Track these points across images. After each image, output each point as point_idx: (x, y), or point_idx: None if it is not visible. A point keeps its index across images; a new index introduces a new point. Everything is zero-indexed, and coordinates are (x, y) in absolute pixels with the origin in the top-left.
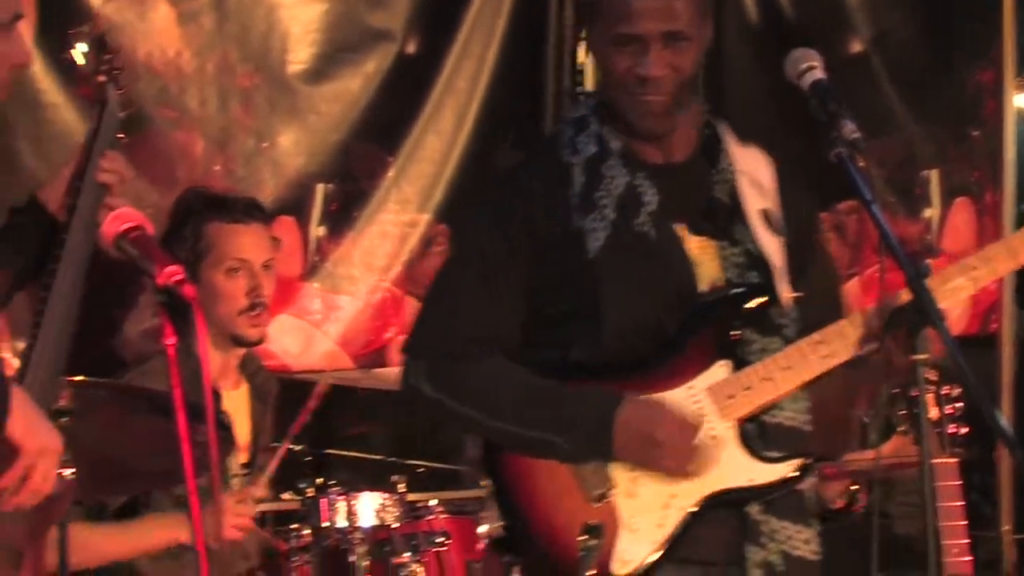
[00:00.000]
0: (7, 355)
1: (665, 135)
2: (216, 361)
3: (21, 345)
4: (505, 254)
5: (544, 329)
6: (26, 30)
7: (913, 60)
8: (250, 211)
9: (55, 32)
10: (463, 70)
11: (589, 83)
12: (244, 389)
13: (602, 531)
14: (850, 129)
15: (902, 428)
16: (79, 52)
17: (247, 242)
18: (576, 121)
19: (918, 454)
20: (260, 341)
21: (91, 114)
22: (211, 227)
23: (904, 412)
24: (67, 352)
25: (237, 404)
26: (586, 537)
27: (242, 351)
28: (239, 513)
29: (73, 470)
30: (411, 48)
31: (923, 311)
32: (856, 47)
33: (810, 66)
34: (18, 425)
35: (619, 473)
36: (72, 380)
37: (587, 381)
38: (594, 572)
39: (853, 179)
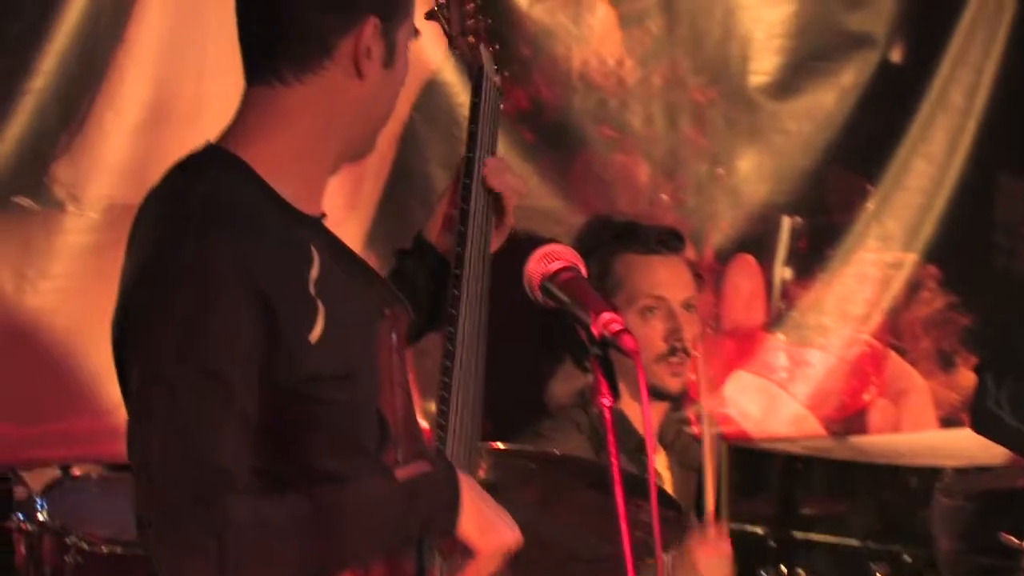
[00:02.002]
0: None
1: None
2: (634, 418)
3: (431, 406)
4: None
5: None
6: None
7: None
8: (666, 240)
9: None
10: (958, 81)
11: None
12: (662, 454)
13: None
14: None
15: None
16: (439, 11)
17: (664, 277)
18: None
19: None
20: (681, 394)
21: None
22: (621, 260)
23: None
24: (482, 411)
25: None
26: None
27: (662, 407)
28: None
29: None
30: (896, 55)
31: None
32: None
33: None
34: (471, 523)
35: None
36: (495, 448)
37: None
38: None
39: None
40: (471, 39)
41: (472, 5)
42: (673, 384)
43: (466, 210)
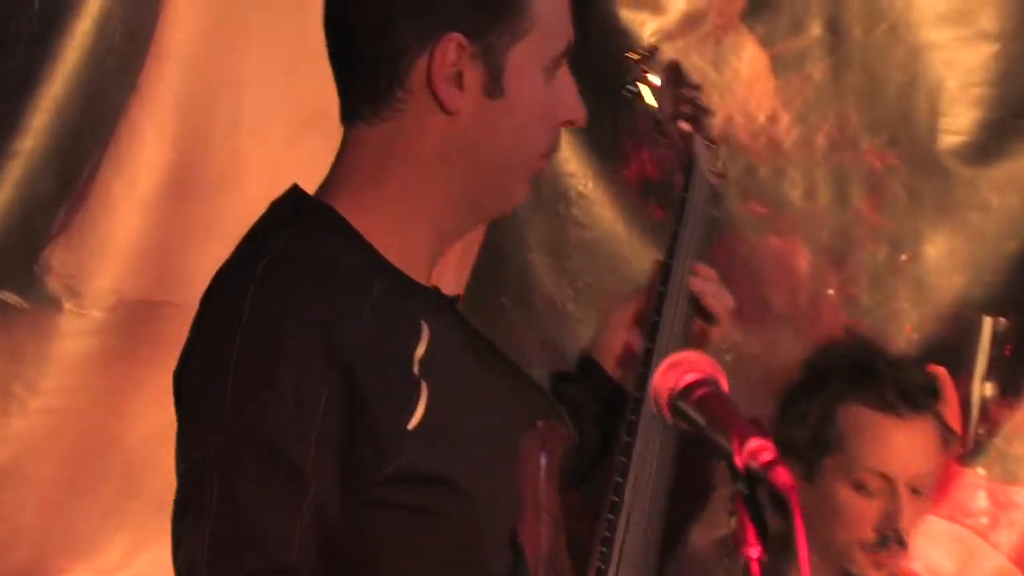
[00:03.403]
0: None
1: None
2: None
3: None
4: None
5: None
6: None
7: None
8: (913, 395)
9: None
10: None
11: None
12: None
13: None
14: None
15: None
16: (646, 89)
17: (900, 448)
18: None
19: None
20: None
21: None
22: (849, 412)
23: None
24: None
25: None
26: None
27: None
28: None
29: None
30: None
31: None
32: None
33: None
34: None
35: None
36: None
37: None
38: None
39: None
40: (685, 126)
41: (690, 90)
42: None
43: (657, 322)
